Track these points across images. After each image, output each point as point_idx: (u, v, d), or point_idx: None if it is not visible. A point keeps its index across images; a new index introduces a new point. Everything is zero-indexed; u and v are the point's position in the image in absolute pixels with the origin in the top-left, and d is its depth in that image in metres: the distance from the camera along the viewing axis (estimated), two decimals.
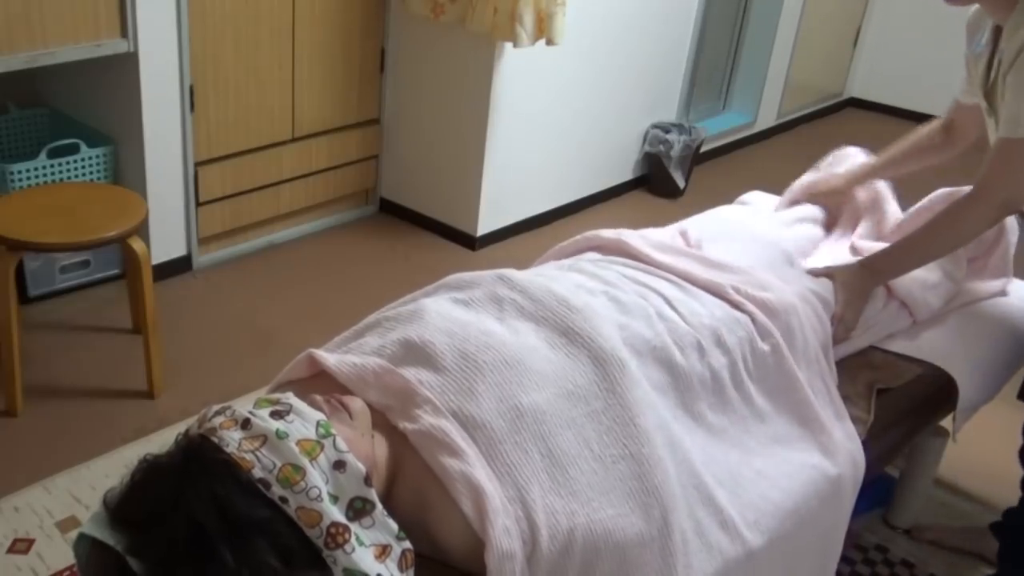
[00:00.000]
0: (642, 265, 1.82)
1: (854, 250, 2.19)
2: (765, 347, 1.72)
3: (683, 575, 1.36)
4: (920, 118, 2.44)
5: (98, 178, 3.06)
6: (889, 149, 2.28)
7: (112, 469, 2.36)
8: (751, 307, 1.74)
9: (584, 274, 1.75)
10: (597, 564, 1.29)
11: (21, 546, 2.13)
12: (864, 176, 2.30)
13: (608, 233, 1.95)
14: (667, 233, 2.06)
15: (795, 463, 1.64)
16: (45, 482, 2.32)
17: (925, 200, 2.20)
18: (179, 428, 1.31)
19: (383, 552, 1.14)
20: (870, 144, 2.44)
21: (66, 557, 2.10)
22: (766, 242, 2.10)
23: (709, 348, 1.64)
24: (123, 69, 2.94)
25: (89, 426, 2.54)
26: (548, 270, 1.81)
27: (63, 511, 2.24)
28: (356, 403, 1.28)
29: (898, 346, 2.05)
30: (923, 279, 2.08)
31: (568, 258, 1.96)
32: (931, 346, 2.06)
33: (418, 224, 3.88)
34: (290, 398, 1.21)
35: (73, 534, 2.05)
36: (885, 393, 1.90)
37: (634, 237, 1.92)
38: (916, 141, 2.25)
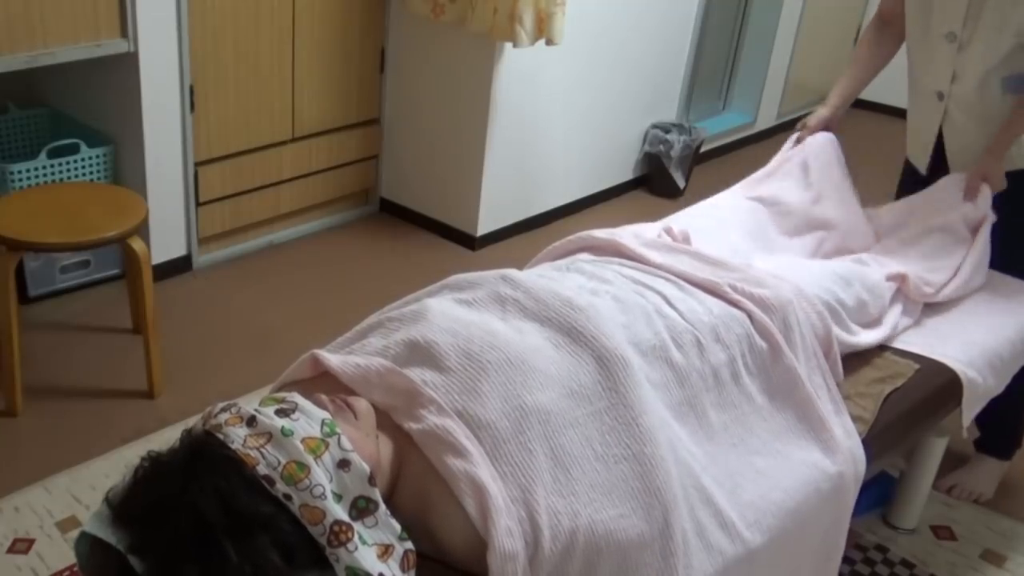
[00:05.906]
0: (639, 265, 1.82)
1: (812, 223, 2.31)
2: (763, 344, 1.72)
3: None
4: None
5: (98, 178, 3.05)
6: (851, 70, 2.50)
7: (112, 469, 2.36)
8: (749, 304, 1.75)
9: (583, 274, 1.75)
10: (598, 565, 1.29)
11: (21, 546, 2.13)
12: (845, 99, 2.50)
13: (601, 233, 1.95)
14: (652, 231, 2.07)
15: (795, 461, 1.64)
16: (45, 482, 2.31)
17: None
18: (179, 428, 1.31)
19: (385, 552, 1.14)
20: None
21: (66, 557, 2.10)
22: (746, 232, 2.15)
23: (708, 345, 1.64)
24: (123, 69, 2.93)
25: (89, 426, 2.53)
26: (548, 271, 1.81)
27: (63, 511, 2.24)
28: (361, 403, 1.27)
29: (899, 342, 2.06)
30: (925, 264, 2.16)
31: (562, 259, 1.95)
32: (932, 341, 2.06)
33: (418, 224, 3.88)
34: (295, 397, 1.21)
35: (73, 534, 2.06)
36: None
37: (628, 237, 1.92)
38: (867, 52, 2.49)
